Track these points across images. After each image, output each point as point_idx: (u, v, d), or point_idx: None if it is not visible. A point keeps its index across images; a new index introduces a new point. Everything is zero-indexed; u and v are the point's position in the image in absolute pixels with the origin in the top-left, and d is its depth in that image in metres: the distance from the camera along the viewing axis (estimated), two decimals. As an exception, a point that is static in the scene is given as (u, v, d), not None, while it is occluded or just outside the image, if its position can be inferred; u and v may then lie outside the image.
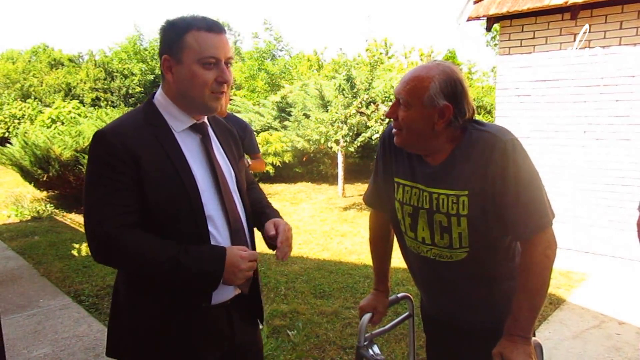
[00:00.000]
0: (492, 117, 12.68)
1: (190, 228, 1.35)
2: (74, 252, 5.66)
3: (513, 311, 1.39)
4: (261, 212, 1.64)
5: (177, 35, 1.33)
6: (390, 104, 7.61)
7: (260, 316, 1.63)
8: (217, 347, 1.48)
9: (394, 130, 1.49)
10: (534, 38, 5.06)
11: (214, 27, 1.34)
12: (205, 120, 1.49)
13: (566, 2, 4.52)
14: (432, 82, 1.37)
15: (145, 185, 1.30)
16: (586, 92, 4.82)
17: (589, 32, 4.68)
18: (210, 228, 1.38)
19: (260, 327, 1.71)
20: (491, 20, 5.30)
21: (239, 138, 1.66)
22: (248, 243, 1.51)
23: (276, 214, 1.65)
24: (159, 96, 1.42)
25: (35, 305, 4.01)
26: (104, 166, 1.31)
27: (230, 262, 1.32)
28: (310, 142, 9.14)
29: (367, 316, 1.68)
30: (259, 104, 13.60)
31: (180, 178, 1.33)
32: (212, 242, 1.38)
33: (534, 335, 1.44)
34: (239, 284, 1.39)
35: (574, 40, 4.79)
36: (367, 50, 13.22)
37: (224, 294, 1.44)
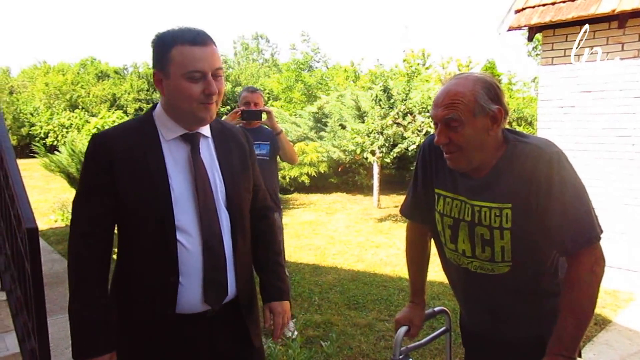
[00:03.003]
0: (533, 128, 12.34)
1: (157, 235, 1.38)
2: (114, 256, 5.83)
3: (557, 329, 1.33)
4: (263, 283, 1.69)
5: (163, 50, 1.36)
6: (428, 114, 7.50)
7: (245, 337, 1.57)
8: (193, 358, 1.47)
9: (447, 155, 1.44)
10: (578, 47, 4.91)
11: (198, 40, 1.35)
12: (204, 130, 1.49)
13: (614, 11, 4.37)
14: (477, 93, 1.36)
15: (118, 189, 1.36)
16: (635, 103, 4.62)
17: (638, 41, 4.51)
18: (180, 238, 1.39)
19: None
20: (533, 29, 5.18)
21: (248, 150, 1.63)
22: (226, 260, 1.47)
23: (275, 287, 1.68)
24: (157, 107, 1.48)
25: (78, 307, 4.14)
26: (86, 167, 1.42)
27: None
28: (346, 152, 9.14)
29: (403, 329, 1.65)
30: (295, 115, 13.72)
31: (154, 184, 1.37)
32: (181, 253, 1.39)
33: (580, 356, 1.38)
34: None
35: (622, 50, 4.62)
36: (404, 60, 13.17)
37: (192, 305, 1.43)
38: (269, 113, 3.44)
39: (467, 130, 1.37)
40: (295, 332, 3.57)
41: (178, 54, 1.33)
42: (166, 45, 1.35)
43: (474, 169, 1.44)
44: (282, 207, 3.81)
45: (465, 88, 1.37)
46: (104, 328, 1.38)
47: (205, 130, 1.50)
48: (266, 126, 3.59)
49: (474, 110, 1.36)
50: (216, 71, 1.37)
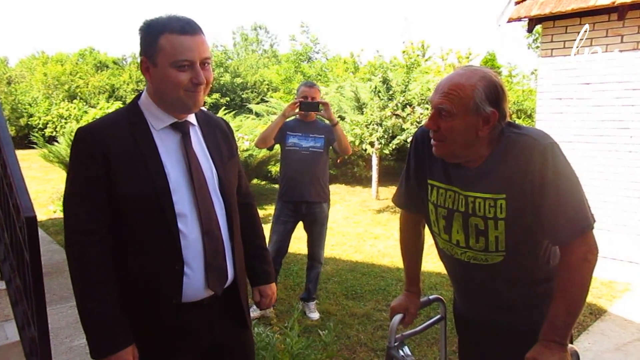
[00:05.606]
0: (532, 121, 12.33)
1: (159, 225, 1.37)
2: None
3: (550, 316, 1.35)
4: (251, 267, 1.74)
5: (152, 37, 1.35)
6: (427, 106, 7.53)
7: (242, 319, 1.61)
8: (195, 346, 1.49)
9: (433, 141, 1.45)
10: (577, 40, 4.89)
11: (188, 29, 1.34)
12: (191, 118, 1.50)
13: (613, 2, 4.36)
14: (476, 90, 1.34)
15: (115, 182, 1.34)
16: (634, 95, 4.62)
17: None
18: (180, 226, 1.39)
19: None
20: (533, 21, 5.17)
21: (232, 138, 1.66)
22: (224, 245, 1.50)
23: (264, 271, 1.78)
24: (143, 96, 1.46)
25: (77, 297, 4.16)
26: (77, 163, 1.38)
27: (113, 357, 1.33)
28: (345, 144, 9.13)
29: (398, 317, 1.67)
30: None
31: (151, 175, 1.36)
32: (182, 241, 1.39)
33: (571, 342, 1.40)
34: None
35: (621, 42, 4.61)
36: (403, 52, 13.13)
37: (196, 292, 1.44)
38: (325, 105, 3.57)
39: (456, 123, 1.37)
40: (317, 314, 3.84)
41: (166, 42, 1.32)
42: (154, 34, 1.34)
43: (468, 159, 1.45)
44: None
45: (467, 81, 1.36)
46: (121, 322, 1.36)
47: (192, 118, 1.51)
48: (322, 119, 3.75)
49: (467, 106, 1.35)
50: (204, 60, 1.37)
